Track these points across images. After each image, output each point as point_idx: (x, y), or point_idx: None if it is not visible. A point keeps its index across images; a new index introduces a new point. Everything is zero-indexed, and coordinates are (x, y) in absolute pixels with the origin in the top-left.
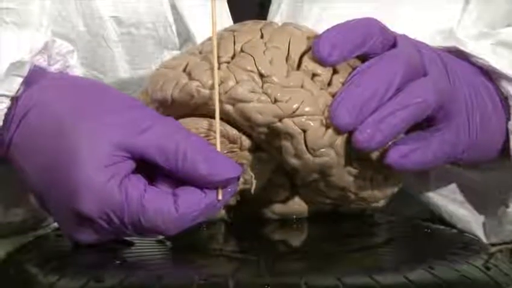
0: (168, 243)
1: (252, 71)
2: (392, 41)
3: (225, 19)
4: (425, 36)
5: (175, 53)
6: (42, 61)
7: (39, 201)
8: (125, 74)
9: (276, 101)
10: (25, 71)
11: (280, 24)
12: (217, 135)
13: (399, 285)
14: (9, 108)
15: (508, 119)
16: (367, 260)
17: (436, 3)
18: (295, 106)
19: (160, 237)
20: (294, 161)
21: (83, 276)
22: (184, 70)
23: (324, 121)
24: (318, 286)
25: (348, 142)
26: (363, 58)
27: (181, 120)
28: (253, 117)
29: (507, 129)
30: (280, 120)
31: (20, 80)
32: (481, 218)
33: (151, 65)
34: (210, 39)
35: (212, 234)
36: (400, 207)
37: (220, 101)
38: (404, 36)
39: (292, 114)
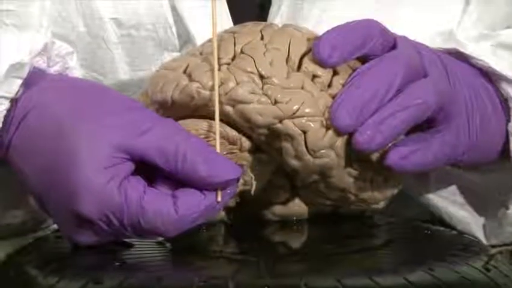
0: (168, 244)
1: (252, 73)
2: (392, 43)
3: (225, 21)
4: (425, 38)
5: (176, 54)
6: (41, 63)
7: (38, 202)
8: (125, 76)
9: (276, 102)
10: (24, 73)
11: (280, 25)
12: (217, 137)
13: (399, 287)
14: (9, 110)
15: (508, 121)
16: (367, 261)
17: (436, 5)
18: (295, 107)
19: (160, 238)
20: (294, 162)
21: (82, 278)
22: (184, 71)
23: (324, 122)
24: (317, 287)
25: (348, 143)
26: (363, 59)
27: (181, 122)
28: (254, 118)
29: (507, 131)
30: (280, 122)
31: (20, 81)
32: (481, 220)
33: (152, 67)
34: (210, 40)
35: (212, 235)
36: (400, 208)
37: (220, 103)
38: (404, 38)
39: (293, 116)
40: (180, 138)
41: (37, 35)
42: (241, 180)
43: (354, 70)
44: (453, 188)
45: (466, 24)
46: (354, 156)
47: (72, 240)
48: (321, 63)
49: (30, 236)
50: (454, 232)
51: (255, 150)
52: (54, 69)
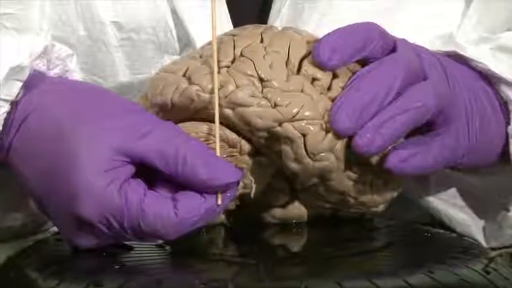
0: (168, 247)
1: (252, 76)
2: (392, 46)
3: (225, 24)
4: (425, 41)
5: (176, 57)
6: (41, 65)
7: (38, 205)
8: (125, 79)
9: (275, 105)
10: (25, 76)
11: (280, 28)
12: (217, 140)
13: None
14: (9, 113)
15: (508, 124)
16: (366, 264)
17: (436, 8)
18: (295, 110)
19: (160, 241)
20: (293, 166)
21: (83, 281)
22: (184, 74)
23: (323, 125)
24: None
25: (348, 146)
26: (363, 62)
27: (181, 125)
28: (253, 121)
29: (507, 134)
30: (280, 125)
31: (20, 84)
32: (481, 222)
33: (152, 70)
34: (210, 43)
35: (212, 238)
36: (399, 211)
37: (220, 105)
38: (404, 41)
39: (292, 119)
40: (180, 141)
41: (37, 38)
42: (241, 183)
43: (353, 73)
44: (453, 191)
45: (466, 28)
46: (353, 159)
47: (72, 243)
48: (321, 66)
49: (30, 238)
50: (454, 235)
51: (254, 153)
52: (54, 72)
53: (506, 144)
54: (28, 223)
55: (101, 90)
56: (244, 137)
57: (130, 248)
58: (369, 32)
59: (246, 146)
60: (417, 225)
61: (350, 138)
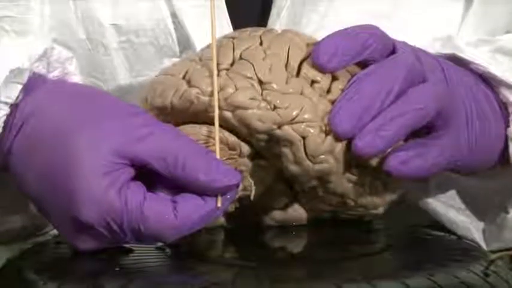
0: (168, 250)
1: (251, 78)
2: (391, 48)
3: (225, 27)
4: (425, 44)
5: (175, 60)
6: (41, 68)
7: (38, 208)
8: (125, 82)
9: (275, 107)
10: (24, 78)
11: (279, 31)
12: (217, 142)
13: None
14: (9, 116)
15: (508, 126)
16: (366, 266)
17: (436, 11)
18: (294, 113)
19: (160, 244)
20: (293, 168)
21: (82, 283)
22: (183, 77)
23: (323, 128)
24: None
25: (348, 149)
26: (363, 65)
27: (180, 127)
28: (253, 124)
29: (506, 136)
30: (279, 127)
31: (19, 87)
32: (481, 225)
33: (151, 73)
34: (209, 46)
35: (211, 241)
36: (399, 213)
37: (220, 108)
38: (404, 43)
39: (292, 121)
40: (179, 144)
41: (37, 40)
42: (240, 186)
43: (353, 75)
44: (453, 193)
45: (466, 30)
46: (353, 161)
47: (72, 246)
48: (320, 69)
49: (30, 241)
50: (454, 237)
51: (254, 155)
52: (53, 75)
53: (506, 146)
54: (28, 226)
55: (101, 93)
56: (243, 140)
57: (130, 251)
58: (368, 34)
59: (245, 149)
60: (417, 227)
61: (350, 140)
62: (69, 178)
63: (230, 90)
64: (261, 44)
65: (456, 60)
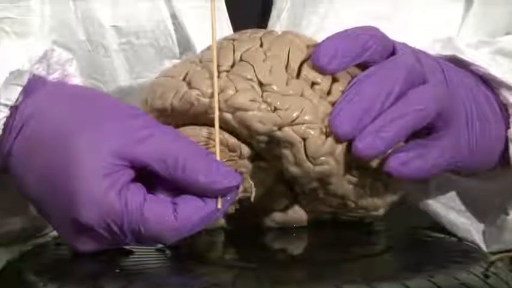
0: (168, 251)
1: (251, 80)
2: (391, 49)
3: (225, 28)
4: (425, 45)
5: (175, 62)
6: (41, 70)
7: (38, 209)
8: (125, 83)
9: (275, 109)
10: (24, 80)
11: (279, 32)
12: (217, 144)
13: None
14: (8, 117)
15: (508, 127)
16: (366, 268)
17: (436, 12)
18: (295, 115)
19: (160, 245)
20: (293, 169)
21: (82, 285)
22: (184, 79)
23: (323, 129)
24: None
25: (348, 150)
26: (363, 66)
27: (181, 129)
28: (253, 125)
29: (507, 138)
30: (280, 129)
31: (19, 89)
32: (481, 226)
33: (151, 74)
34: (209, 47)
35: (211, 242)
36: (399, 215)
37: (220, 110)
38: (404, 45)
39: (292, 123)
40: (180, 145)
41: (37, 42)
42: (241, 188)
43: (353, 77)
44: (453, 194)
45: (466, 32)
46: (353, 163)
47: (72, 247)
48: (321, 70)
49: (30, 242)
50: (454, 239)
51: (254, 157)
52: (53, 77)
53: (506, 148)
54: (28, 227)
55: (101, 94)
56: (244, 141)
57: (130, 252)
58: (368, 36)
59: (245, 150)
60: (417, 229)
61: (350, 142)
62: (69, 180)
63: (230, 92)
64: (261, 45)
65: (456, 62)
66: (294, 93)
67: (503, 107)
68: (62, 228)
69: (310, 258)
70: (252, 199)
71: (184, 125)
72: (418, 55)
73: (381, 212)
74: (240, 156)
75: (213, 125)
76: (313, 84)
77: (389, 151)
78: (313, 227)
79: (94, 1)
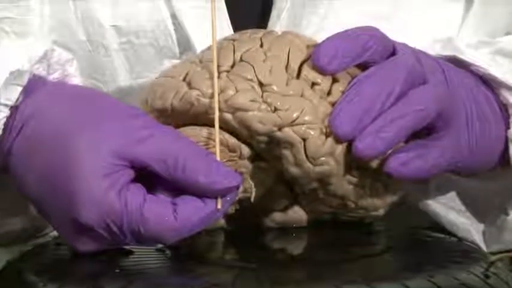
0: (168, 251)
1: (251, 80)
2: (392, 50)
3: (225, 28)
4: (425, 45)
5: (175, 62)
6: (41, 70)
7: (38, 209)
8: (125, 83)
9: (275, 109)
10: (24, 80)
11: (280, 33)
12: (217, 144)
13: None
14: (9, 117)
15: (508, 128)
16: (366, 268)
17: (436, 12)
18: (295, 115)
19: (160, 245)
20: (293, 170)
21: (82, 285)
22: (184, 79)
23: (323, 130)
24: None
25: (348, 151)
26: (363, 67)
27: (181, 129)
28: (253, 126)
29: (507, 138)
30: (280, 129)
31: (19, 89)
32: (481, 226)
33: (151, 74)
34: (209, 48)
35: (211, 242)
36: (399, 215)
37: (220, 110)
38: (404, 45)
39: (292, 123)
40: (180, 146)
41: (37, 42)
42: (241, 188)
43: (353, 77)
44: (453, 195)
45: (466, 32)
46: (353, 163)
47: (72, 247)
48: (321, 71)
49: (30, 242)
50: (454, 239)
51: (254, 157)
52: (53, 77)
53: (506, 148)
54: (28, 227)
55: (101, 94)
56: (244, 142)
57: (130, 252)
58: (368, 36)
59: (245, 151)
60: (417, 229)
61: (350, 142)
62: (69, 180)
63: (230, 92)
64: (261, 46)
65: (456, 62)
66: (294, 93)
67: (503, 107)
68: (62, 228)
69: (310, 258)
70: (252, 199)
71: (184, 125)
72: (418, 55)
73: (381, 212)
74: (240, 157)
75: (213, 125)
76: (313, 84)
77: (390, 151)
78: (313, 227)
79: (94, 1)
